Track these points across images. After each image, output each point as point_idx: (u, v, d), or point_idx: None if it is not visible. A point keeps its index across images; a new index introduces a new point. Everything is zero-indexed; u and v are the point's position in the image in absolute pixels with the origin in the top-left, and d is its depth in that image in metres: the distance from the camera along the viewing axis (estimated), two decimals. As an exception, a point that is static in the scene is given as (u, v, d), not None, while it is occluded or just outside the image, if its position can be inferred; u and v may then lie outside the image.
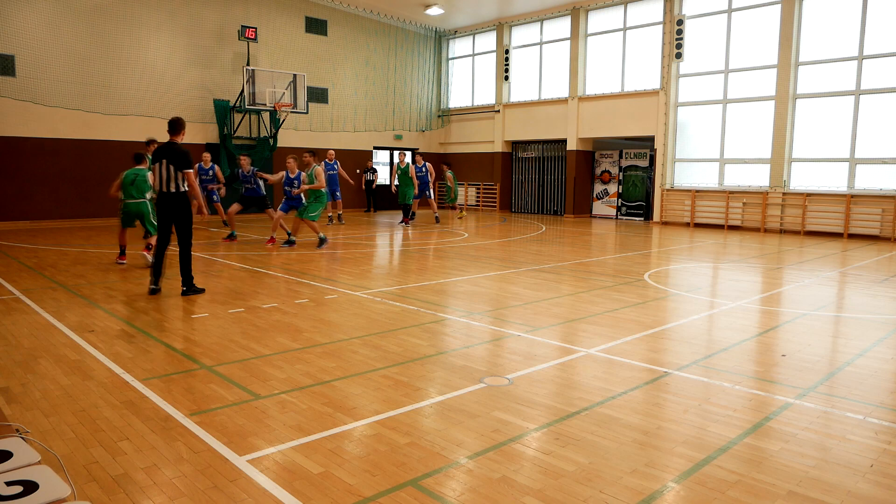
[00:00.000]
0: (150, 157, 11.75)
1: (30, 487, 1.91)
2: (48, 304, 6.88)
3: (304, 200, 11.80)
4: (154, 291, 7.43)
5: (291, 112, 19.06)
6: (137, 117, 16.96)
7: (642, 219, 20.06)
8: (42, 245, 11.76)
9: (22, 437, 2.24)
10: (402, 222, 17.21)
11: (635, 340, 5.65)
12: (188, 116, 17.94)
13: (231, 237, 12.76)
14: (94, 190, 15.81)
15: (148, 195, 9.54)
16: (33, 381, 4.42)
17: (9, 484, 1.92)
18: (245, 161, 12.49)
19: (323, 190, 11.59)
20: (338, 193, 16.85)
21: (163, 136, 8.06)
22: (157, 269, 7.46)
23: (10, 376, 4.51)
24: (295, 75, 18.92)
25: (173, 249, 7.62)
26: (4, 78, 14.87)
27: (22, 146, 15.26)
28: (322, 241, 11.78)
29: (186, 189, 7.38)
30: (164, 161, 7.27)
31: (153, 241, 9.09)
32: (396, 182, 16.98)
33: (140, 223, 9.60)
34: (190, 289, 7.47)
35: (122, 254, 9.71)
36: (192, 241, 7.55)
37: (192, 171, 7.40)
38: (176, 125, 7.42)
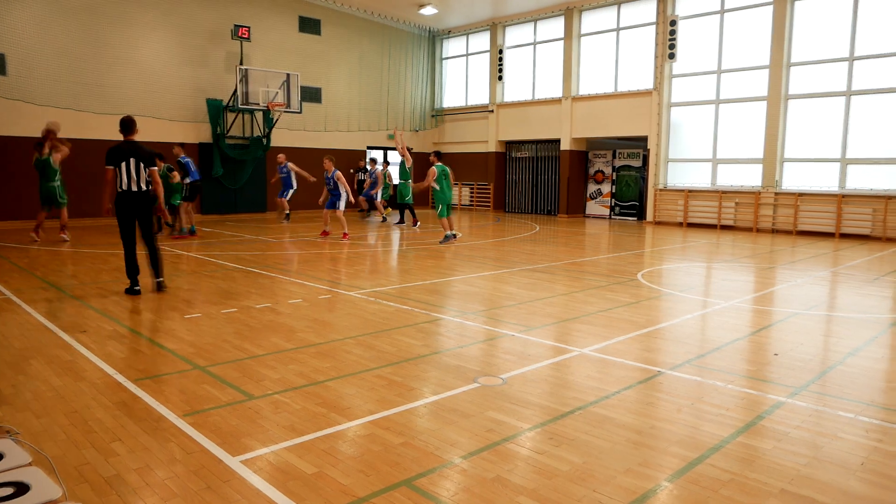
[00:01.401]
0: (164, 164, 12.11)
1: (21, 489, 1.90)
2: (40, 304, 6.84)
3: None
4: (135, 292, 7.40)
5: (285, 111, 19.02)
6: (130, 117, 16.87)
7: (635, 219, 20.11)
8: (33, 245, 11.67)
9: (13, 439, 2.23)
10: (399, 222, 17.18)
11: (629, 340, 5.66)
12: (181, 116, 17.89)
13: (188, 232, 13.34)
14: (86, 189, 15.68)
15: (57, 180, 11.74)
16: (24, 382, 4.39)
17: (0, 485, 1.90)
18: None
19: (434, 187, 12.64)
20: (288, 193, 17.03)
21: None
22: (132, 270, 7.43)
23: (0, 377, 4.48)
24: (288, 75, 18.87)
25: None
26: (-5, 77, 14.78)
27: (13, 146, 15.16)
28: (447, 238, 12.65)
29: (151, 188, 7.44)
30: (133, 160, 7.23)
31: (65, 217, 12.10)
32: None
33: (51, 203, 11.76)
34: (162, 278, 7.57)
35: (36, 230, 11.95)
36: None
37: (157, 168, 7.53)
38: (131, 124, 7.41)
